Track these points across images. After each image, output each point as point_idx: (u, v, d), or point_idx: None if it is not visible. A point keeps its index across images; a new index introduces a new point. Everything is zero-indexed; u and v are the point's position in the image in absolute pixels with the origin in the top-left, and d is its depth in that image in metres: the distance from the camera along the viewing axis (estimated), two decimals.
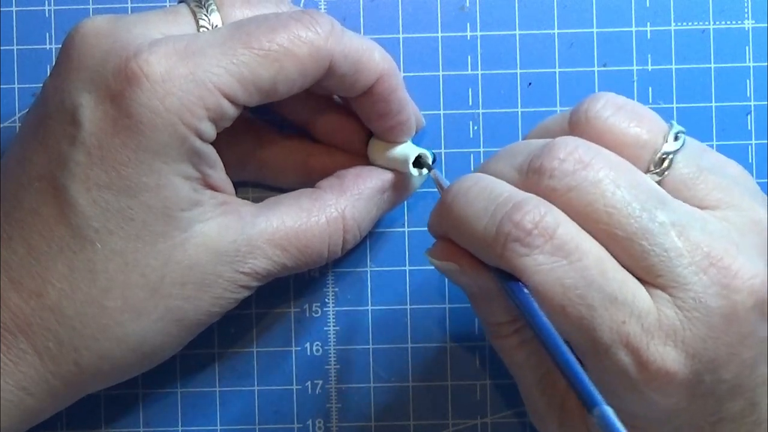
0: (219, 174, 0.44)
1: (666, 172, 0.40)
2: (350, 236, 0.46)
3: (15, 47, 0.51)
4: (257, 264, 0.44)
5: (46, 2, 0.51)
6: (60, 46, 0.44)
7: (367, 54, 0.45)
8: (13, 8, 0.51)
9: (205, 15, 0.45)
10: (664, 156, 0.40)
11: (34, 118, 0.44)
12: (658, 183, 0.40)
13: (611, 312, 0.38)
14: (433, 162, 0.48)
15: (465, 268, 0.41)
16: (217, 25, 0.45)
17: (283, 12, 0.45)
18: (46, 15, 0.51)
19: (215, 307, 0.44)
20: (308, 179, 0.48)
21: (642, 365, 0.38)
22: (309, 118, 0.49)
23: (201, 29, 0.44)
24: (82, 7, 0.51)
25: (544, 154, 0.40)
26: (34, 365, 0.43)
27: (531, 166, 0.40)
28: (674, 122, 0.42)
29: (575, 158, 0.39)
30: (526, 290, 0.38)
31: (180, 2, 0.46)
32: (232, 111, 0.43)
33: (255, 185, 0.51)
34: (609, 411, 0.35)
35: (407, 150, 0.48)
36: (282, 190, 0.48)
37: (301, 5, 0.51)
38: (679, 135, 0.41)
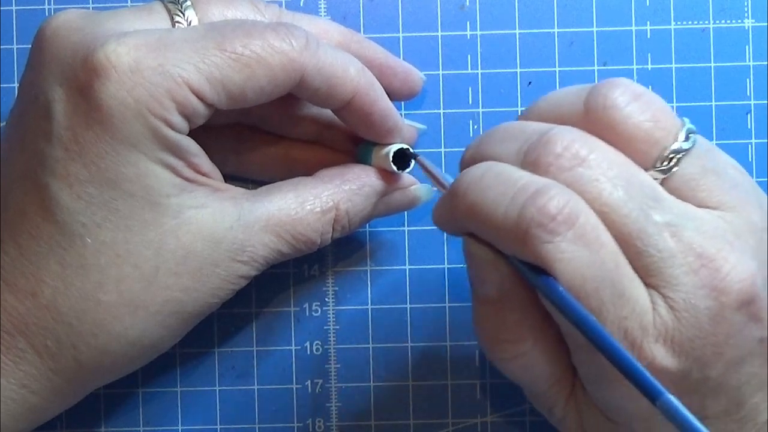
0: (205, 161, 0.44)
1: (671, 171, 0.40)
2: (339, 227, 0.46)
3: (15, 47, 0.51)
4: (255, 251, 0.44)
5: (46, 2, 0.51)
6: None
7: (341, 69, 0.45)
8: (13, 8, 0.51)
9: (180, 12, 0.45)
10: (672, 155, 0.40)
11: (14, 116, 0.44)
12: (661, 181, 0.40)
13: (618, 307, 0.38)
14: (414, 159, 0.47)
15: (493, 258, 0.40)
16: (192, 22, 0.45)
17: (260, 21, 0.45)
18: (46, 15, 0.51)
19: (214, 299, 0.44)
20: (290, 173, 0.48)
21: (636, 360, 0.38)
22: (290, 130, 0.49)
23: (176, 26, 0.44)
24: (82, 6, 0.51)
25: (540, 146, 0.39)
26: (35, 364, 0.43)
27: (527, 158, 0.39)
28: (686, 120, 0.41)
29: (572, 153, 0.39)
30: (561, 287, 0.38)
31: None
32: (202, 109, 0.43)
33: (236, 179, 0.50)
34: (674, 399, 0.35)
35: (391, 146, 0.47)
36: (264, 184, 0.47)
37: (301, 4, 0.51)
38: (690, 134, 0.40)
